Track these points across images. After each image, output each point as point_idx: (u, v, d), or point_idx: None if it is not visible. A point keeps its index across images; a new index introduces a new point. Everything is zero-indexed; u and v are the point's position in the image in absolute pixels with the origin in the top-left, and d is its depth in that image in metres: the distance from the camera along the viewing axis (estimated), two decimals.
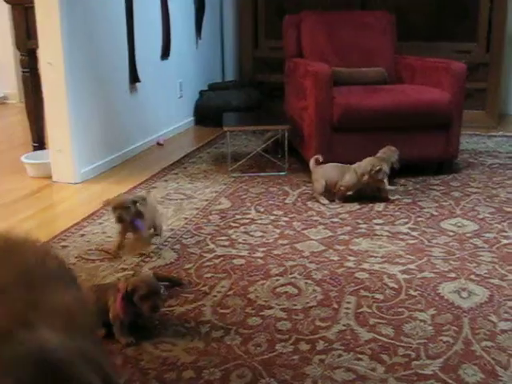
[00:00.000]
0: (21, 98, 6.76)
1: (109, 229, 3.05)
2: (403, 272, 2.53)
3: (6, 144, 4.98)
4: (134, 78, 4.38)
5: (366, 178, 3.37)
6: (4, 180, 3.96)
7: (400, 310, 2.23)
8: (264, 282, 2.45)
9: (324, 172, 3.42)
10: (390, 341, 2.03)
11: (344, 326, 2.12)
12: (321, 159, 3.46)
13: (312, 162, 3.48)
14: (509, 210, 3.28)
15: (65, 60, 3.68)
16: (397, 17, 4.52)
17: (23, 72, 4.24)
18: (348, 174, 3.39)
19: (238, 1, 5.90)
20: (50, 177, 3.89)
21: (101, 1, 3.99)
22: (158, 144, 4.72)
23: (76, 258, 2.72)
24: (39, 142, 4.31)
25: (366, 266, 2.59)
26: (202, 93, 5.48)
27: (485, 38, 5.30)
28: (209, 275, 2.52)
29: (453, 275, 2.50)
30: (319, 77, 3.58)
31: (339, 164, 3.46)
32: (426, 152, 3.84)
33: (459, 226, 3.05)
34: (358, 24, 4.39)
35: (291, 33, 4.33)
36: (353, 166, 3.41)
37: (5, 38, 6.64)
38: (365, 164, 3.37)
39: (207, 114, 5.34)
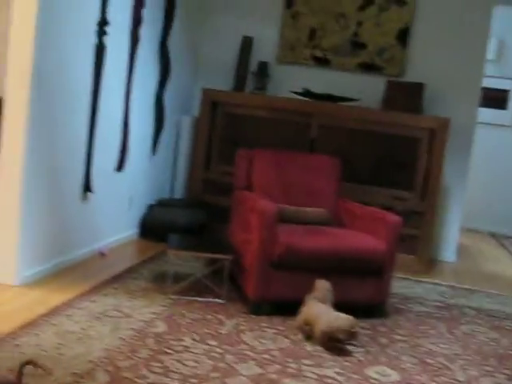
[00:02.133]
0: None
1: (45, 341, 3.07)
2: None
3: None
4: (86, 187, 4.52)
5: (341, 335, 3.42)
6: None
7: None
8: None
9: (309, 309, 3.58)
10: None
11: None
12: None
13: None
14: (430, 361, 3.46)
15: (23, 162, 3.79)
16: (342, 162, 4.86)
17: None
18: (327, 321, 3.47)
19: (194, 124, 6.20)
20: None
21: (66, 112, 4.18)
22: (100, 254, 4.80)
23: (9, 370, 2.72)
24: None
25: None
26: (149, 207, 5.64)
27: (421, 188, 5.70)
28: None
29: None
30: (265, 215, 3.79)
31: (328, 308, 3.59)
32: (357, 295, 4.04)
33: (383, 375, 3.20)
34: (305, 165, 4.69)
35: (242, 166, 4.59)
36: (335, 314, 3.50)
37: None
38: (343, 322, 3.43)
39: (152, 228, 5.49)
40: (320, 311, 3.52)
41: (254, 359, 3.19)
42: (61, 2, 3.92)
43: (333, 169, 4.74)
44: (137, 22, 4.97)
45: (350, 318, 3.43)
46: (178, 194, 6.23)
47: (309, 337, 3.56)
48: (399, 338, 3.81)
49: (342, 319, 3.42)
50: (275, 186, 4.48)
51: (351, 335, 3.42)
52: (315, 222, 4.39)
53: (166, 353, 3.12)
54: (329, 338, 3.43)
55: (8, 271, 3.86)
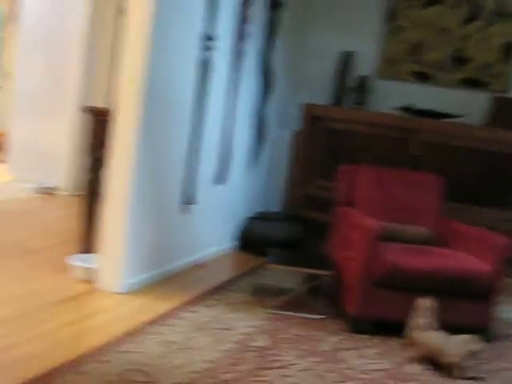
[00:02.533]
0: (71, 191, 7.05)
1: (149, 349, 3.13)
2: None
3: (55, 239, 5.15)
4: (189, 199, 4.59)
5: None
6: (47, 278, 4.08)
7: None
8: None
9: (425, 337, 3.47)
10: None
11: None
12: None
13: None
14: None
15: (131, 175, 3.90)
16: (447, 179, 4.71)
17: (87, 177, 4.48)
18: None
19: (294, 138, 6.20)
20: (94, 282, 4.02)
21: (172, 125, 4.27)
22: (198, 266, 4.85)
23: (115, 375, 2.79)
24: (88, 245, 4.46)
25: None
26: (248, 220, 5.67)
27: None
28: None
29: None
30: (370, 233, 3.73)
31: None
32: (460, 318, 3.89)
33: None
34: (408, 182, 4.59)
35: (344, 181, 4.54)
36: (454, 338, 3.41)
37: (68, 134, 7.01)
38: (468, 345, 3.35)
39: (250, 240, 5.51)
40: (439, 341, 3.41)
41: (356, 379, 3.13)
42: (170, 18, 4.02)
43: (436, 187, 4.61)
44: (241, 37, 5.03)
45: (469, 337, 3.34)
46: (276, 207, 6.23)
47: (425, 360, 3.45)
48: (504, 365, 3.64)
49: (465, 342, 3.33)
50: (377, 202, 4.41)
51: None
52: (418, 240, 4.28)
53: (269, 368, 3.11)
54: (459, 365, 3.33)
55: (113, 279, 3.97)
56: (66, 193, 7.07)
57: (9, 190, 6.98)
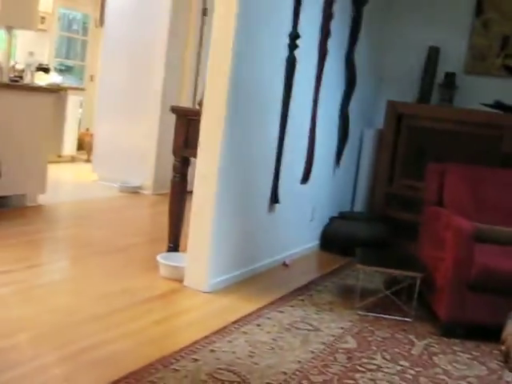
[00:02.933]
0: (154, 190, 7.18)
1: (238, 349, 3.12)
2: None
3: (142, 237, 5.25)
4: (274, 198, 4.57)
5: None
6: (137, 276, 4.15)
7: None
8: None
9: None
10: None
11: None
12: None
13: None
14: None
15: (219, 175, 3.91)
16: None
17: (174, 176, 4.53)
18: None
19: (377, 137, 6.10)
20: (181, 281, 4.06)
21: (259, 125, 4.26)
22: (284, 264, 4.84)
23: (207, 375, 2.79)
24: (175, 244, 4.52)
25: None
26: (331, 219, 5.61)
27: None
28: None
29: None
30: (463, 233, 3.61)
31: None
32: None
33: None
34: (502, 181, 4.42)
35: (434, 180, 4.41)
36: None
37: (152, 134, 7.14)
38: None
39: (333, 240, 5.45)
40: None
41: None
42: (257, 17, 4.01)
43: None
44: (326, 34, 4.97)
45: None
46: (359, 207, 6.15)
47: None
48: None
49: None
50: (469, 202, 4.26)
51: None
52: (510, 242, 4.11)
53: (358, 370, 3.05)
54: None
55: (200, 278, 3.99)
56: (150, 192, 7.20)
57: (95, 189, 7.17)
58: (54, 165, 6.97)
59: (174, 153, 4.53)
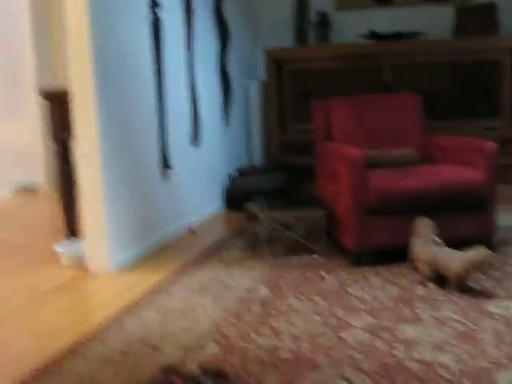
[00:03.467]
0: (49, 186, 6.88)
1: (149, 320, 3.01)
2: (456, 361, 2.46)
3: (38, 233, 5.01)
4: (165, 164, 4.44)
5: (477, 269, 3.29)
6: (37, 269, 3.97)
7: None
8: (312, 374, 2.39)
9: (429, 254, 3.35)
10: None
11: None
12: None
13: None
14: None
15: (101, 151, 3.75)
16: (422, 97, 4.57)
17: (58, 162, 4.32)
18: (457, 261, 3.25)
19: (262, 86, 6.04)
20: (84, 266, 3.89)
21: (133, 92, 4.10)
22: (190, 230, 4.73)
23: (118, 353, 2.68)
24: (72, 231, 4.33)
25: (415, 354, 2.52)
26: (230, 178, 5.53)
27: (510, 114, 5.35)
28: (255, 368, 2.46)
29: (507, 362, 2.42)
30: (354, 161, 3.60)
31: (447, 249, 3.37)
32: (461, 232, 3.79)
33: (504, 308, 2.98)
34: (384, 106, 4.46)
35: (320, 117, 4.39)
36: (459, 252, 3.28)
37: (34, 129, 6.81)
38: (476, 256, 3.21)
39: (236, 198, 5.37)
40: (443, 253, 3.31)
41: (364, 310, 3.03)
42: None
43: (414, 106, 4.48)
44: None
45: (480, 249, 3.21)
46: (256, 160, 6.09)
47: (432, 279, 3.35)
48: None
49: (474, 254, 3.21)
50: (357, 131, 4.27)
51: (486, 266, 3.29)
52: (404, 163, 4.15)
53: (273, 315, 3.00)
54: (464, 278, 3.24)
55: (102, 260, 3.84)
56: (47, 187, 6.90)
57: None
58: None
59: (53, 138, 4.31)
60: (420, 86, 5.32)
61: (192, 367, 2.42)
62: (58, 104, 4.19)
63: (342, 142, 4.18)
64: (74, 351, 2.71)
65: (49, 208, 6.26)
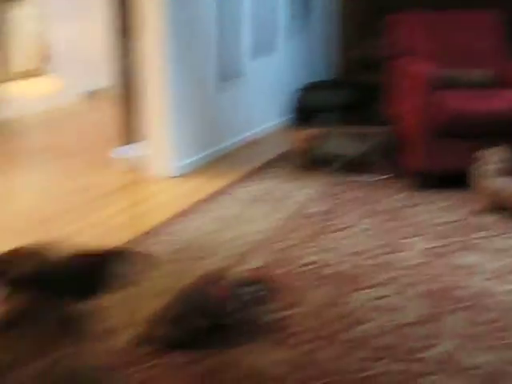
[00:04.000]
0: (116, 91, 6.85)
1: (203, 226, 3.02)
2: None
3: (99, 138, 5.02)
4: (231, 74, 4.34)
5: None
6: (97, 173, 4.01)
7: None
8: (358, 293, 2.33)
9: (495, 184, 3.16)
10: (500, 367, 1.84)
11: (445, 347, 1.96)
12: None
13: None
14: None
15: (165, 58, 3.69)
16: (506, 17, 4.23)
17: (122, 65, 4.26)
18: None
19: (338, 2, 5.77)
20: (141, 170, 3.91)
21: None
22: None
23: (171, 253, 2.68)
24: (129, 136, 4.30)
25: (470, 282, 2.42)
26: (299, 91, 5.36)
27: None
28: (298, 283, 2.41)
29: None
30: (424, 78, 3.40)
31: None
32: None
33: None
34: (461, 24, 4.16)
35: (392, 33, 4.14)
36: None
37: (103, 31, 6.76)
38: None
39: (305, 112, 5.22)
40: (509, 184, 3.12)
41: (420, 234, 2.91)
42: None
43: (495, 25, 4.16)
44: None
45: None
46: (325, 75, 5.87)
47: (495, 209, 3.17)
48: None
49: None
50: (431, 49, 3.99)
51: None
52: (482, 84, 3.87)
53: (326, 232, 2.93)
54: None
55: (162, 163, 3.85)
56: (114, 92, 6.90)
57: (56, 98, 6.86)
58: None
59: (117, 41, 4.25)
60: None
61: (236, 277, 2.39)
62: (124, 4, 4.11)
63: (414, 59, 3.92)
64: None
65: (113, 113, 6.31)
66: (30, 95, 7.21)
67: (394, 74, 4.07)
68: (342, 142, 3.98)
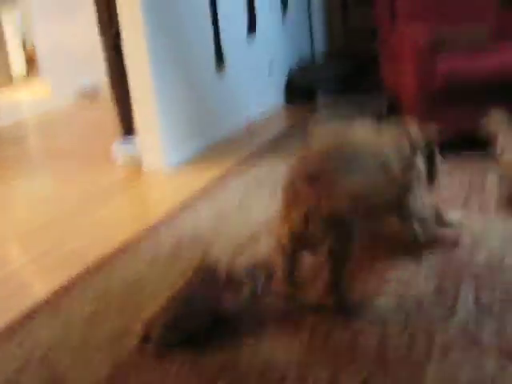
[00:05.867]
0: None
1: (204, 215, 2.94)
2: None
3: (96, 136, 4.97)
4: (219, 58, 4.23)
5: None
6: (95, 169, 3.96)
7: None
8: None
9: None
10: None
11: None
12: None
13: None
14: None
15: (148, 45, 3.58)
16: None
17: (108, 57, 4.16)
18: None
19: None
20: (141, 165, 3.82)
21: None
22: (247, 126, 4.53)
23: (168, 252, 2.58)
24: (127, 129, 4.22)
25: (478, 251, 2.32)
26: (291, 71, 5.23)
27: None
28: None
29: None
30: (417, 42, 3.27)
31: None
32: None
33: None
34: None
35: None
36: None
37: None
38: None
39: (297, 91, 5.10)
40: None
41: None
42: None
43: None
44: None
45: None
46: (319, 49, 5.74)
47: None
48: None
49: None
50: (421, 7, 3.86)
51: None
52: (477, 40, 3.74)
53: None
54: None
55: (155, 157, 3.76)
56: (106, 89, 6.80)
57: (46, 101, 6.78)
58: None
59: (102, 34, 4.13)
60: None
61: (239, 265, 2.29)
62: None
63: (406, 19, 3.80)
64: (124, 250, 2.65)
65: (107, 111, 6.22)
66: (20, 101, 7.15)
67: (387, 40, 3.96)
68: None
